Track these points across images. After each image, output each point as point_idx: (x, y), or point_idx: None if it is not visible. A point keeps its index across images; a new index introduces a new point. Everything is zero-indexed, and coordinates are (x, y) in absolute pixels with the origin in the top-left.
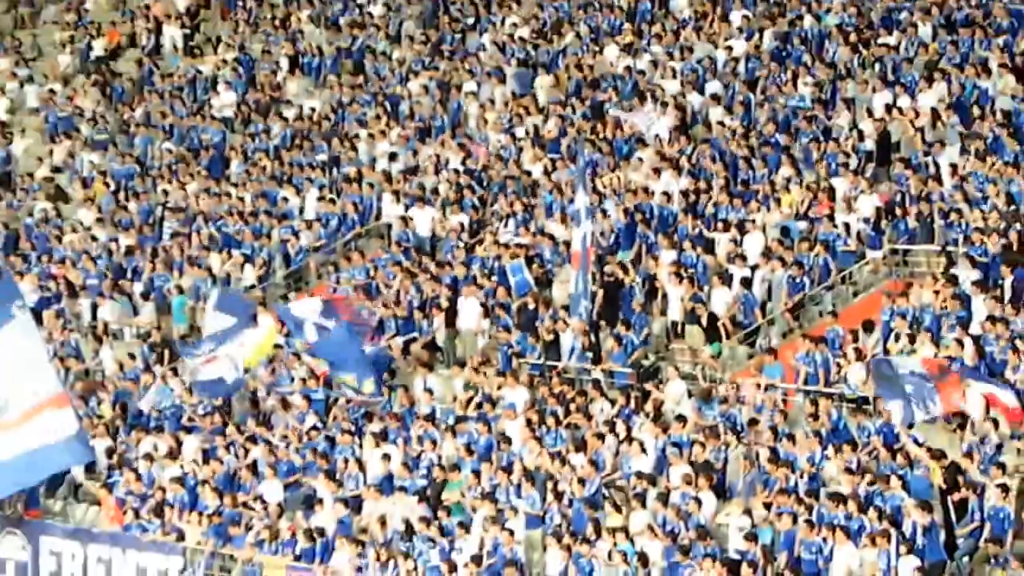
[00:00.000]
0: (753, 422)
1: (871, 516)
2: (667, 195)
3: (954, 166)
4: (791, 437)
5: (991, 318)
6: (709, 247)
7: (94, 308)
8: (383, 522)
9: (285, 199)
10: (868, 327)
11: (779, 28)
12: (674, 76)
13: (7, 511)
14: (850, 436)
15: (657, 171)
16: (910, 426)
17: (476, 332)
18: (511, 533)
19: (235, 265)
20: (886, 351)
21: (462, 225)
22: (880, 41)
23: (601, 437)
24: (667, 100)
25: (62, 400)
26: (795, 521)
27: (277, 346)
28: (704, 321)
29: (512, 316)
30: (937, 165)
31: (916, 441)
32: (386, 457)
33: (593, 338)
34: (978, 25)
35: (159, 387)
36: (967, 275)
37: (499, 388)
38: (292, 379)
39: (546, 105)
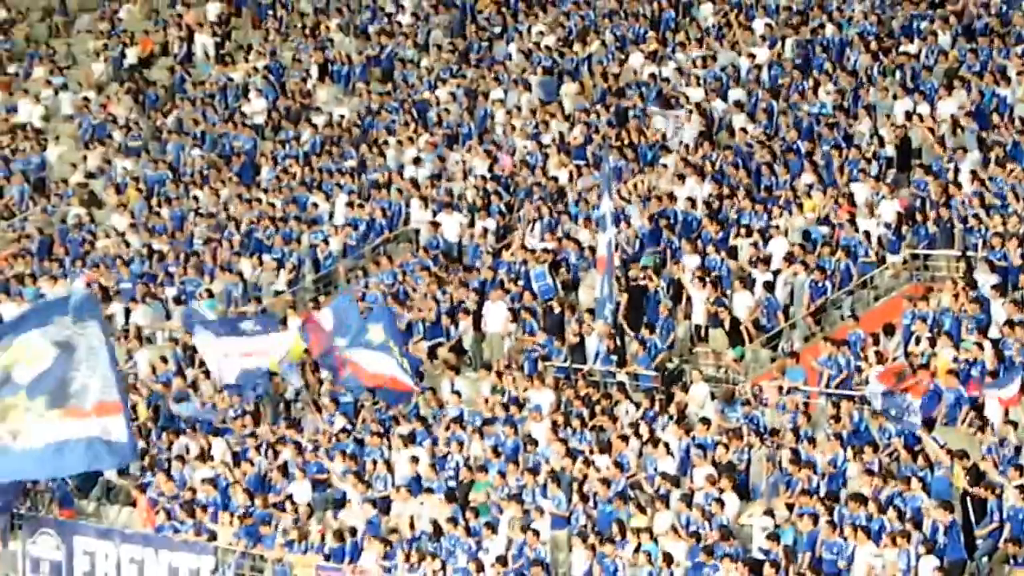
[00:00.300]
0: (775, 432)
1: (891, 516)
2: (691, 201)
3: (974, 172)
4: (812, 440)
5: (1010, 322)
6: (732, 252)
7: (127, 312)
8: (411, 523)
9: (315, 205)
10: (889, 331)
11: (801, 36)
12: (698, 83)
13: (41, 511)
14: (871, 438)
15: (681, 177)
16: (930, 428)
17: (503, 335)
18: (537, 534)
19: (269, 271)
20: (907, 354)
21: (485, 230)
22: (901, 49)
23: (626, 439)
24: (691, 107)
25: (117, 407)
26: (816, 522)
27: (307, 351)
28: (727, 325)
29: (538, 320)
30: (957, 171)
31: (937, 443)
32: (414, 459)
33: (618, 341)
34: (997, 34)
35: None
36: (986, 279)
37: (525, 391)
38: (321, 382)
39: (572, 112)
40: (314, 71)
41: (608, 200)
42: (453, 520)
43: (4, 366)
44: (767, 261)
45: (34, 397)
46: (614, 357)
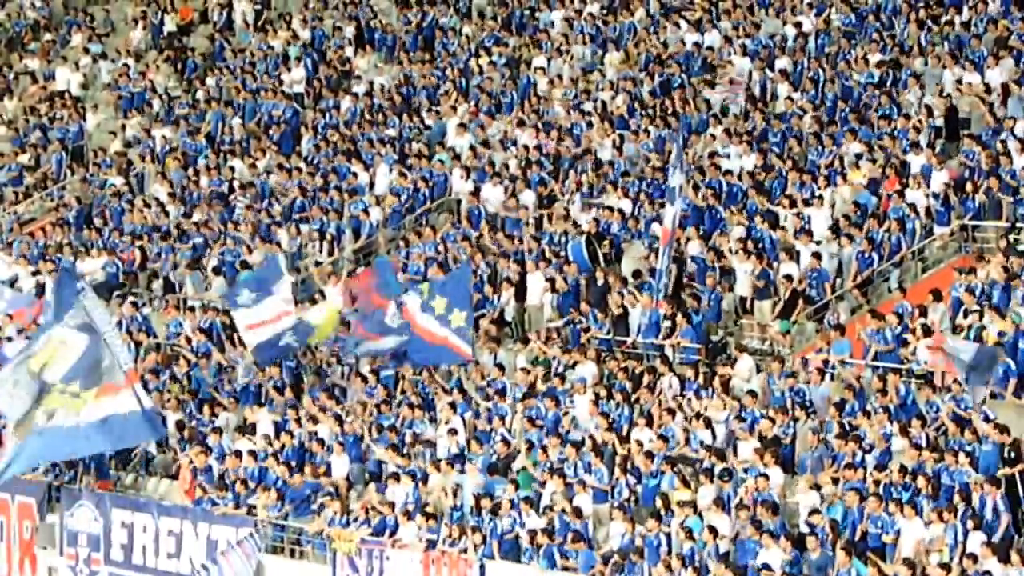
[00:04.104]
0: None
1: (935, 490)
2: (736, 171)
3: (1022, 141)
4: (867, 413)
5: None
6: (778, 223)
7: (166, 282)
8: (453, 496)
9: (355, 174)
10: (936, 296)
11: (849, 4)
12: (744, 52)
13: (79, 484)
14: (918, 411)
15: (715, 153)
16: (982, 402)
17: (543, 307)
18: (579, 509)
19: (310, 240)
20: (955, 327)
21: (517, 200)
22: (949, 18)
23: (671, 412)
24: (736, 76)
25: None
26: (863, 496)
27: (345, 322)
28: (784, 295)
29: (581, 291)
30: (1005, 141)
31: (987, 417)
32: (453, 432)
33: (666, 313)
34: None
35: (248, 364)
36: None
37: (572, 365)
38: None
39: (615, 81)
40: (354, 39)
41: (677, 173)
42: (490, 495)
43: (35, 372)
44: (812, 232)
45: (69, 382)
46: (667, 323)
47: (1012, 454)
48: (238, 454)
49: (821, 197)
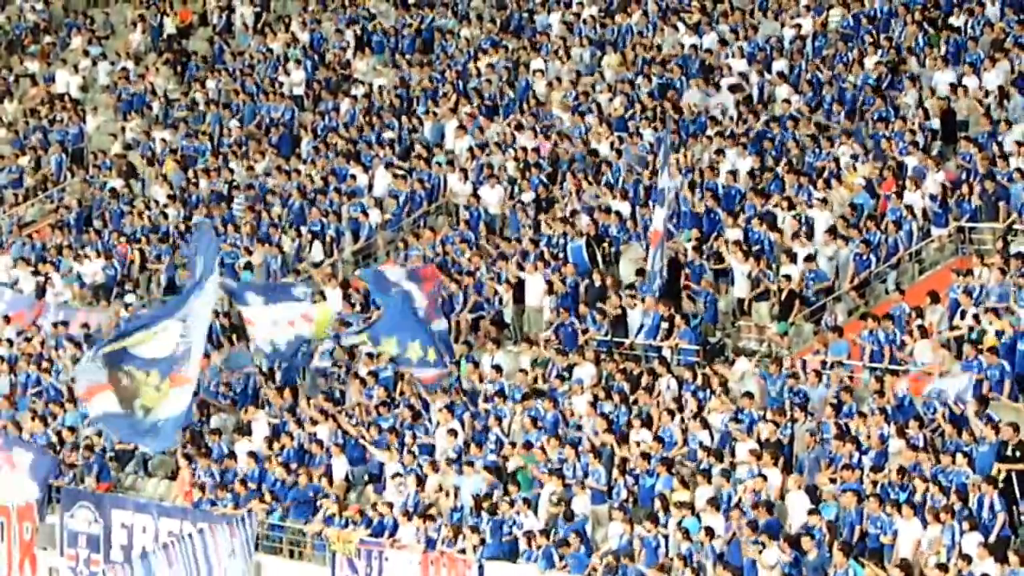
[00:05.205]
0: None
1: (935, 492)
2: (733, 173)
3: (1020, 144)
4: (863, 415)
5: None
6: (775, 225)
7: (169, 283)
8: (452, 497)
9: (353, 177)
10: (934, 298)
11: (846, 6)
12: (741, 55)
13: (79, 485)
14: (915, 412)
15: (721, 151)
16: (985, 404)
17: (542, 309)
18: (571, 511)
19: (306, 242)
20: (952, 328)
21: (518, 202)
22: (946, 20)
23: (670, 413)
24: (734, 78)
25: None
26: (860, 497)
27: (346, 322)
28: (781, 297)
29: (579, 293)
30: (1001, 144)
31: (991, 419)
32: (453, 432)
33: (665, 315)
34: None
35: (239, 349)
36: None
37: (572, 366)
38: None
39: (613, 83)
40: (353, 42)
41: (666, 175)
42: (489, 496)
43: (125, 346)
44: (810, 234)
45: (150, 371)
46: (665, 326)
47: (1018, 453)
48: (234, 455)
49: (824, 200)
